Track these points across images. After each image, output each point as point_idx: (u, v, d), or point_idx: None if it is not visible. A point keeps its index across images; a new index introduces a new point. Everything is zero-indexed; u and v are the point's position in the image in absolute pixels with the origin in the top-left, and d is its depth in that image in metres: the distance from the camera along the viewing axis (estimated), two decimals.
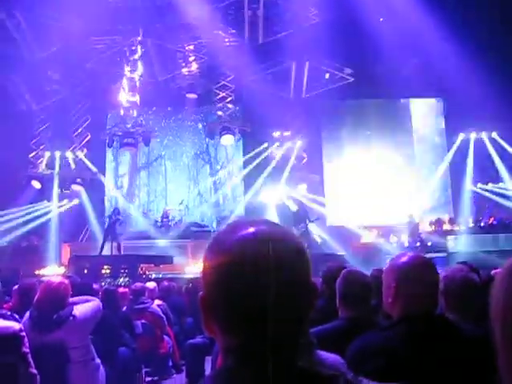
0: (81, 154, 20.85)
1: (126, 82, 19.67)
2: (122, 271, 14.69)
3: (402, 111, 21.91)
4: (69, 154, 20.70)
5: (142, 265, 15.74)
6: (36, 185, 20.06)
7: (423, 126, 21.85)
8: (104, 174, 21.45)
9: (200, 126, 21.75)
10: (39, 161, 20.85)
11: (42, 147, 21.00)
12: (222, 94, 21.19)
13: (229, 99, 21.15)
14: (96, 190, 20.77)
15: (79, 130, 21.06)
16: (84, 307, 4.50)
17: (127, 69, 19.62)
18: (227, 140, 20.60)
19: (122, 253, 16.95)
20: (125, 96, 19.67)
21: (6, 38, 18.46)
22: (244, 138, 21.39)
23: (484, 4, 16.60)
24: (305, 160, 20.93)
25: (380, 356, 2.02)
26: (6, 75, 19.45)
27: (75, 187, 20.10)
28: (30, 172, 20.45)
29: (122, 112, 19.97)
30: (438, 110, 21.72)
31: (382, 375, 1.89)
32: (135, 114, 20.20)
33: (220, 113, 20.85)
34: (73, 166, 20.70)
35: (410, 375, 1.84)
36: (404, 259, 2.18)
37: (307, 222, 16.60)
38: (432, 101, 21.80)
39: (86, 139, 21.13)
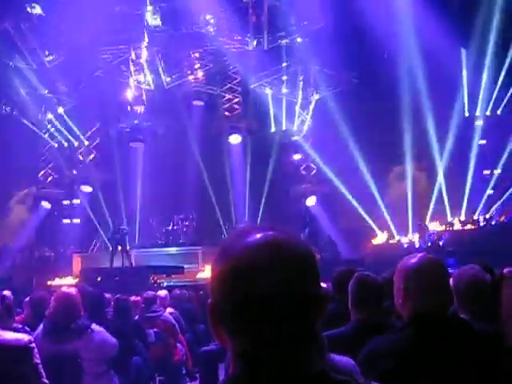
0: (90, 157, 21.04)
1: (132, 82, 19.79)
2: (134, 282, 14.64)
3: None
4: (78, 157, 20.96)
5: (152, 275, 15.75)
6: (46, 205, 20.42)
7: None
8: (114, 177, 21.66)
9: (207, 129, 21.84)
10: (48, 180, 21.11)
11: (50, 165, 21.23)
12: (228, 96, 21.25)
13: (235, 100, 21.21)
14: (105, 193, 20.87)
15: (88, 134, 21.18)
16: (104, 332, 4.51)
17: (133, 75, 19.73)
18: (234, 139, 20.75)
19: (133, 263, 16.98)
20: (132, 94, 19.77)
21: (13, 50, 18.66)
22: (251, 140, 21.53)
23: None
24: (314, 172, 20.89)
25: (390, 358, 2.01)
26: (14, 87, 19.67)
27: (84, 188, 20.27)
28: (40, 192, 20.74)
29: (129, 108, 20.02)
30: None
31: (392, 377, 1.89)
32: (142, 110, 20.23)
33: (227, 113, 20.94)
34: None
35: (420, 376, 1.84)
36: (413, 260, 2.18)
37: (313, 226, 16.68)
38: None
39: (95, 143, 21.25)
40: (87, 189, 20.36)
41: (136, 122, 20.06)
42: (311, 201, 19.93)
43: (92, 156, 21.15)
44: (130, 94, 19.87)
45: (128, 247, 17.30)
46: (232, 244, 1.02)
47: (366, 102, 21.10)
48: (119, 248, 16.97)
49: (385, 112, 20.97)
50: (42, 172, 21.59)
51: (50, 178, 21.30)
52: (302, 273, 0.98)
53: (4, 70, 18.88)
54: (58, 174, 21.28)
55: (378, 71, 19.10)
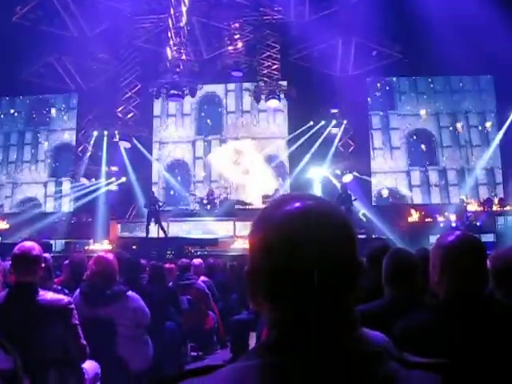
0: (129, 115, 21.15)
1: (172, 50, 19.66)
2: (169, 252, 14.85)
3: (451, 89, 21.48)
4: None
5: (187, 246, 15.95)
6: (85, 181, 20.62)
7: (473, 104, 21.33)
8: (151, 134, 21.92)
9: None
10: (87, 155, 21.27)
11: (89, 140, 21.34)
12: (267, 63, 21.12)
13: (274, 66, 21.05)
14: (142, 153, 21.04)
15: (128, 94, 21.30)
16: (139, 299, 4.59)
17: (172, 44, 19.61)
18: (273, 103, 20.86)
19: (168, 234, 17.20)
20: (171, 53, 19.63)
21: (55, 19, 18.81)
22: (289, 106, 21.51)
23: None
24: (352, 148, 20.62)
25: (424, 336, 2.00)
26: (56, 55, 19.86)
27: (122, 143, 20.37)
28: (79, 169, 21.02)
29: (168, 65, 19.95)
30: (489, 88, 21.13)
31: (425, 355, 1.88)
32: (181, 66, 20.13)
33: (266, 78, 20.86)
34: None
35: (453, 355, 1.82)
36: (451, 238, 2.15)
37: (348, 204, 16.57)
38: (482, 78, 21.21)
39: (135, 103, 21.34)
40: (126, 144, 20.42)
41: (175, 76, 19.94)
42: (347, 178, 19.73)
43: (131, 115, 21.16)
44: (169, 57, 19.74)
45: (161, 220, 17.43)
46: (271, 211, 1.02)
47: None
48: (153, 220, 17.19)
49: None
50: (81, 147, 21.78)
51: (88, 154, 21.44)
52: (340, 242, 0.98)
53: (45, 37, 19.04)
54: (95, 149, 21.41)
55: (422, 46, 18.63)
